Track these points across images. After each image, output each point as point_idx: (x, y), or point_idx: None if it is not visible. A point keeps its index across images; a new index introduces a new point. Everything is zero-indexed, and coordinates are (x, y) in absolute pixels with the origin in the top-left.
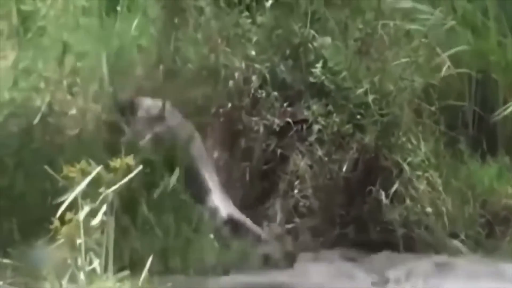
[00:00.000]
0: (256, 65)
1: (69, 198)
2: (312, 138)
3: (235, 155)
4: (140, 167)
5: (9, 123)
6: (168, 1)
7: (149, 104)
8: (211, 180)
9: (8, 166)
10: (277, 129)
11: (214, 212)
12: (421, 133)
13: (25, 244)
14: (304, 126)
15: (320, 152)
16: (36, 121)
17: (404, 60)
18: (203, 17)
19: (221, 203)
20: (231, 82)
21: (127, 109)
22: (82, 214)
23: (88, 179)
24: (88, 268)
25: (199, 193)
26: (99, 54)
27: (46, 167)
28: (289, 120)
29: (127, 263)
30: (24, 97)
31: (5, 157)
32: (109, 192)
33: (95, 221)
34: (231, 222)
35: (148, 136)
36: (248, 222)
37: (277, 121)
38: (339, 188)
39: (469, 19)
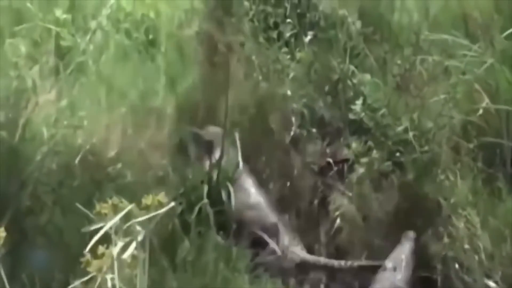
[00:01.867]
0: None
1: (100, 231)
2: (353, 177)
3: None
4: (172, 204)
5: (48, 160)
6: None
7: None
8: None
9: (46, 204)
10: (317, 169)
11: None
12: (459, 170)
13: (64, 281)
14: (345, 166)
15: (361, 191)
16: (77, 160)
17: (442, 96)
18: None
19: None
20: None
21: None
22: (115, 249)
23: (119, 215)
24: None
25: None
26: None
27: (77, 204)
28: (330, 160)
29: None
30: (64, 135)
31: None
32: (139, 228)
33: (126, 255)
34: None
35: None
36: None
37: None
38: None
39: (508, 56)
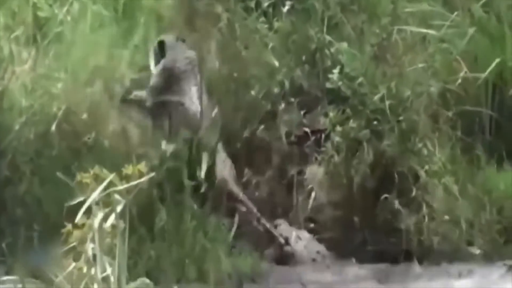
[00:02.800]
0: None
1: (85, 204)
2: (329, 146)
3: (255, 168)
4: (152, 173)
5: (25, 130)
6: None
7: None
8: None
9: (24, 173)
10: (295, 139)
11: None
12: (438, 139)
13: (43, 250)
14: (322, 135)
15: (336, 159)
16: (53, 128)
17: (420, 65)
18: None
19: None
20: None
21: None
22: (96, 220)
23: (102, 186)
24: (101, 276)
25: None
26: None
27: (59, 174)
28: (307, 130)
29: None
30: (41, 104)
31: (22, 164)
32: (119, 198)
33: (106, 225)
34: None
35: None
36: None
37: (295, 132)
38: (355, 196)
39: (485, 25)
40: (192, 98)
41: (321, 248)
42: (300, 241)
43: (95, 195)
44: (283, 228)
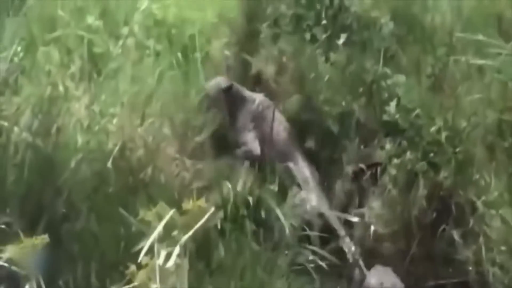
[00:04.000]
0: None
1: (147, 243)
2: (385, 179)
3: None
4: (213, 209)
5: (82, 167)
6: None
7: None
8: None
9: (81, 210)
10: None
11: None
12: (494, 169)
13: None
14: (378, 169)
15: (393, 192)
16: (109, 164)
17: (477, 96)
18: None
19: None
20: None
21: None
22: (160, 259)
23: (163, 222)
24: None
25: None
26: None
27: (121, 210)
28: (362, 166)
29: None
30: (97, 141)
31: (78, 201)
32: (181, 235)
33: (169, 264)
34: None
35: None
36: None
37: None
38: (413, 228)
39: None
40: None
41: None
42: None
43: (157, 232)
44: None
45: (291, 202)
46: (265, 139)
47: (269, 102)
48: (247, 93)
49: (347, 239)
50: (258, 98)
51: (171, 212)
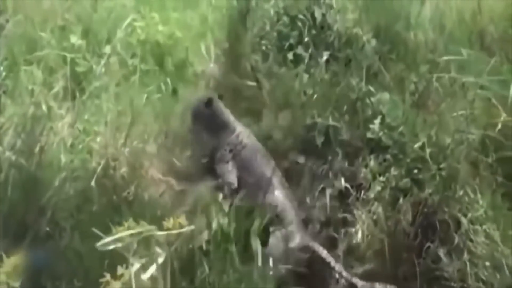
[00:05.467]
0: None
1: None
2: (370, 195)
3: None
4: (192, 226)
5: (65, 186)
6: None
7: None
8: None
9: (64, 229)
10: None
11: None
12: (478, 185)
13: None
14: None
15: (378, 209)
16: (92, 183)
17: (460, 112)
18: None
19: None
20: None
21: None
22: (132, 270)
23: (127, 232)
24: None
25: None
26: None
27: (94, 229)
28: (348, 186)
29: None
30: (80, 159)
31: (62, 220)
32: (159, 250)
33: (145, 276)
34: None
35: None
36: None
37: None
38: (397, 245)
39: None
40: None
41: None
42: None
43: (125, 242)
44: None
45: (273, 241)
46: (242, 170)
47: (249, 133)
48: (229, 118)
49: (338, 266)
50: (238, 127)
51: (149, 227)
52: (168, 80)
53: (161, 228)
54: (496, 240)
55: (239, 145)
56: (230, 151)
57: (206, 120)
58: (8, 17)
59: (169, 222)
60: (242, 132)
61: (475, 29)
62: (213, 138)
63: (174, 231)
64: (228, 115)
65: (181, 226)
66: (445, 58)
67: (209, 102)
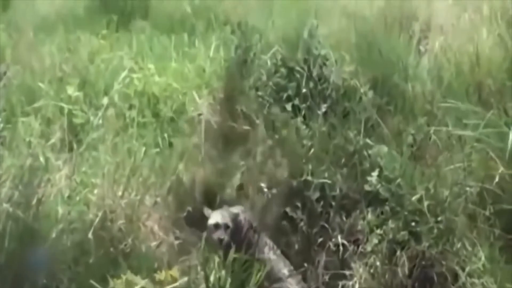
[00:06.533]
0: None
1: None
2: (367, 248)
3: None
4: (185, 279)
5: (63, 238)
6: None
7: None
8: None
9: (62, 281)
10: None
11: None
12: (476, 238)
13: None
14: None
15: (375, 261)
16: (89, 235)
17: (458, 165)
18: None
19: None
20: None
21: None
22: None
23: None
24: None
25: None
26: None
27: (91, 281)
28: (345, 242)
29: None
30: (77, 211)
31: (59, 272)
32: None
33: None
34: None
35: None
36: None
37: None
38: None
39: None
40: None
41: None
42: None
43: None
44: None
45: None
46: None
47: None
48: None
49: None
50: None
51: (143, 282)
52: (165, 135)
53: (153, 281)
54: None
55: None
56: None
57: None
58: (6, 67)
59: (161, 275)
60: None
61: (473, 81)
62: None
63: (168, 286)
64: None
65: (174, 279)
66: (443, 108)
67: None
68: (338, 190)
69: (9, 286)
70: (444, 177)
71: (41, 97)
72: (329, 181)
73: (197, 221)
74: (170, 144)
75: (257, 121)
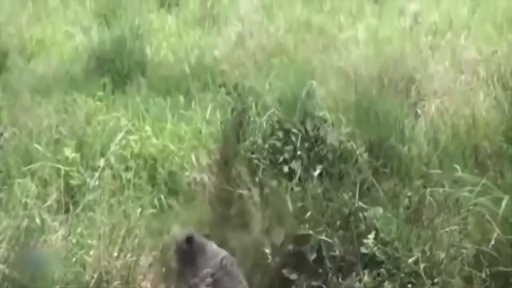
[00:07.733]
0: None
1: None
2: None
3: None
4: None
5: None
6: None
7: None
8: None
9: None
10: None
11: None
12: None
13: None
14: None
15: None
16: None
17: (454, 227)
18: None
19: None
20: None
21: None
22: None
23: None
24: None
25: None
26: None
27: None
28: None
29: None
30: (73, 272)
31: None
32: None
33: None
34: None
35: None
36: None
37: None
38: None
39: None
40: None
41: None
42: None
43: None
44: None
45: None
46: None
47: (232, 259)
48: (212, 247)
49: None
50: (222, 253)
51: None
52: (162, 196)
53: None
54: None
55: (221, 271)
56: (212, 275)
57: (188, 257)
58: (3, 129)
59: None
60: (226, 258)
61: (470, 144)
62: (195, 271)
63: None
64: (211, 245)
65: None
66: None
67: (189, 240)
68: (334, 252)
69: None
70: (440, 239)
71: (38, 159)
72: (328, 239)
73: None
74: (168, 206)
75: (251, 186)
